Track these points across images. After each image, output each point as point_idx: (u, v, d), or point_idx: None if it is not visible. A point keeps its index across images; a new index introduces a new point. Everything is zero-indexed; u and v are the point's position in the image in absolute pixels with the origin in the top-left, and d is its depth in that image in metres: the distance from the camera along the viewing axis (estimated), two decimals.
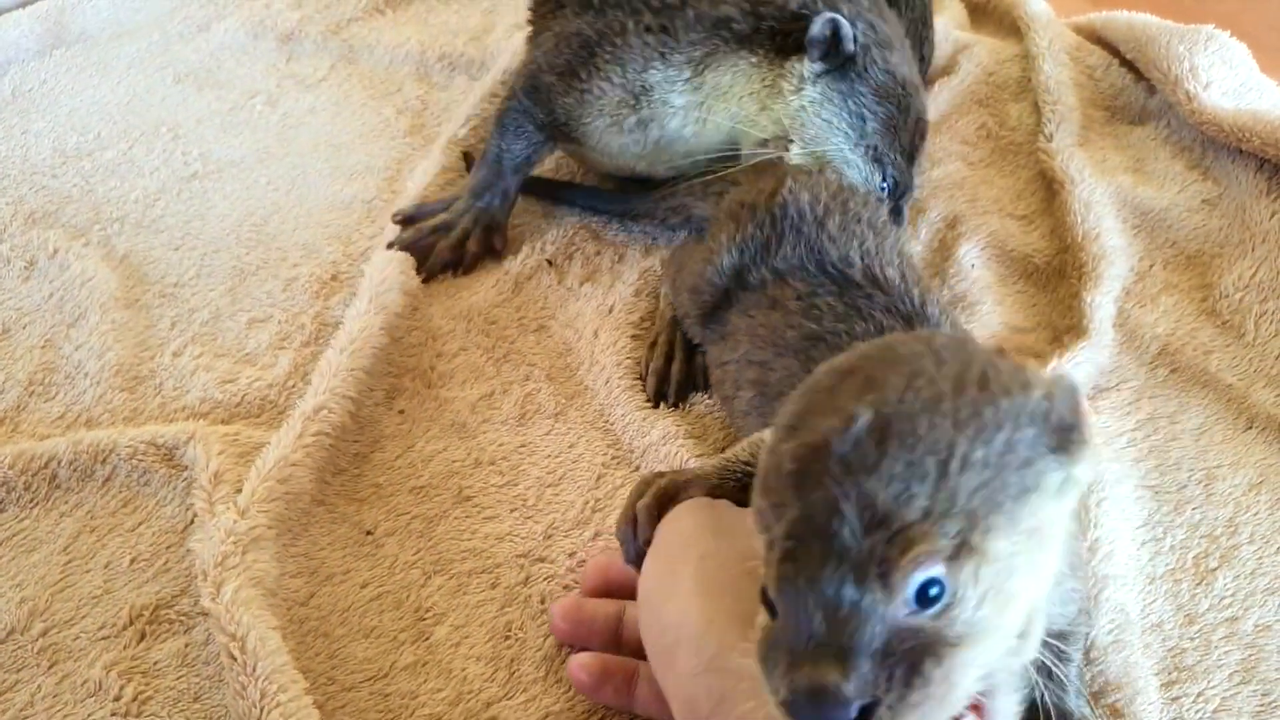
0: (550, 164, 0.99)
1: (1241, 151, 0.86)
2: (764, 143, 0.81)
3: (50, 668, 0.61)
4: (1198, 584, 0.63)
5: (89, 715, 0.59)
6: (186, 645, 0.62)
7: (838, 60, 0.77)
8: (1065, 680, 0.54)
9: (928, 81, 1.04)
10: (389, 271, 0.84)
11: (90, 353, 0.83)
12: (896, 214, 0.81)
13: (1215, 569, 0.63)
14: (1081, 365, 0.75)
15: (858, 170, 0.80)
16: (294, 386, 0.79)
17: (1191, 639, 0.60)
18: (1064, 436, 0.38)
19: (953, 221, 0.90)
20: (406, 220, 0.92)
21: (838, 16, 0.76)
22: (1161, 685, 0.58)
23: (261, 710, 0.54)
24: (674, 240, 0.89)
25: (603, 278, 0.88)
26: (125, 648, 0.62)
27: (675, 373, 0.77)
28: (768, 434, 0.41)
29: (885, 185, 0.80)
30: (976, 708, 0.39)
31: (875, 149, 0.79)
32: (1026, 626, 0.38)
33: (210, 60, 1.20)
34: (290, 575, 0.65)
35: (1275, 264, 0.80)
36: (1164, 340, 0.78)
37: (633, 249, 0.91)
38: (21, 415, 0.79)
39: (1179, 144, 0.94)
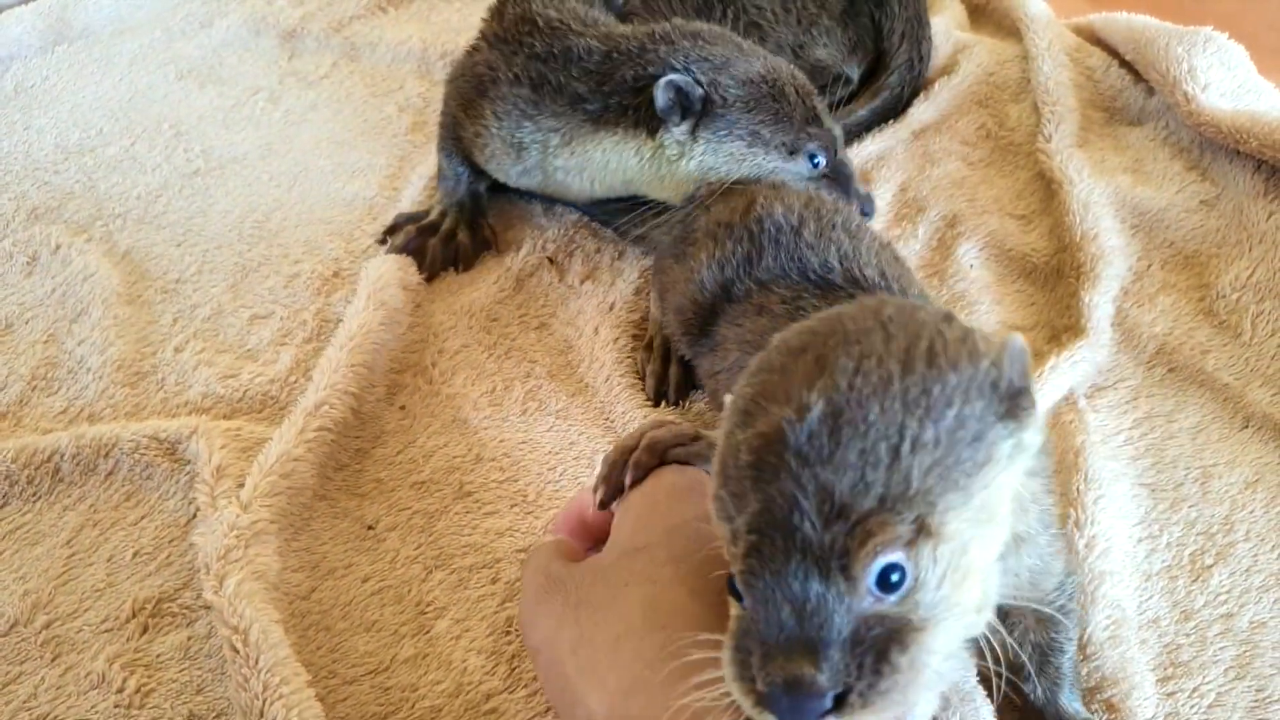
0: None
1: (1239, 153, 0.87)
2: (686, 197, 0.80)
3: (53, 660, 0.62)
4: (1194, 581, 0.63)
5: (92, 707, 0.59)
6: (189, 638, 0.62)
7: (698, 109, 0.77)
8: (1060, 673, 0.54)
9: (927, 82, 1.04)
10: (386, 269, 0.85)
11: (93, 348, 0.83)
12: (846, 179, 0.80)
13: (1211, 566, 0.64)
14: (1079, 364, 0.75)
15: (787, 173, 0.79)
16: (295, 382, 0.79)
17: (1187, 635, 0.61)
18: (1013, 403, 0.38)
19: (952, 220, 0.91)
20: (390, 230, 0.93)
21: (671, 78, 0.75)
22: (1157, 680, 0.58)
23: (264, 702, 0.55)
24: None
25: (603, 275, 0.89)
26: (128, 640, 0.62)
27: (674, 375, 0.77)
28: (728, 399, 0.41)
29: (818, 161, 0.79)
30: None
31: (785, 145, 0.78)
32: (983, 599, 0.39)
33: (212, 57, 1.20)
34: (292, 569, 0.65)
35: (1272, 264, 0.80)
36: (1161, 339, 0.78)
37: (633, 247, 0.91)
38: (24, 410, 0.79)
39: (1177, 145, 0.94)
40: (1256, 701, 0.57)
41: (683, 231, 0.77)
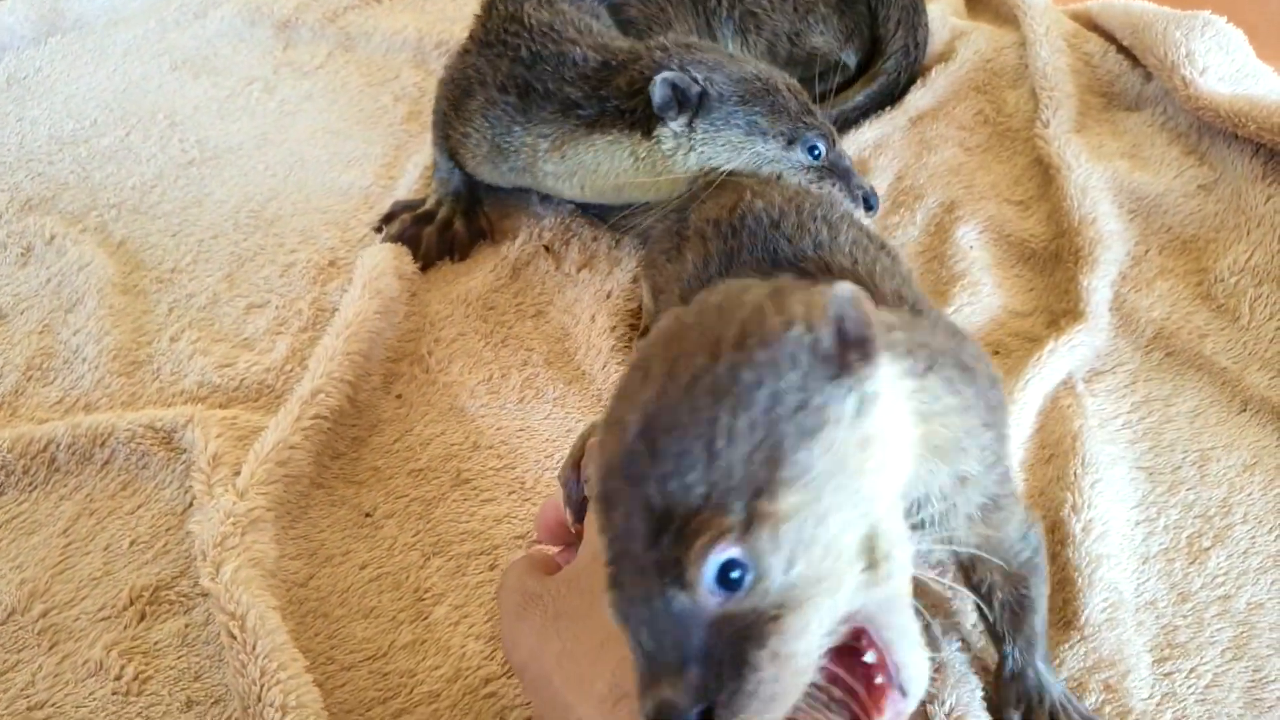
0: None
1: (1237, 137, 0.86)
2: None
3: (51, 648, 0.62)
4: (1191, 563, 0.63)
5: (90, 695, 0.59)
6: (186, 625, 0.62)
7: (695, 103, 0.77)
8: (1034, 634, 0.54)
9: (924, 69, 1.04)
10: (382, 258, 0.85)
11: (88, 338, 0.83)
12: (845, 171, 0.79)
13: (1209, 548, 0.64)
14: (1077, 348, 0.75)
15: (787, 162, 0.78)
16: (291, 371, 0.79)
17: (1184, 617, 0.61)
18: (843, 359, 0.36)
19: (950, 207, 0.91)
20: (386, 219, 0.93)
21: (667, 74, 0.75)
22: (1154, 661, 0.58)
23: (261, 687, 0.55)
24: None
25: (600, 264, 0.88)
26: (125, 628, 0.62)
27: None
28: None
29: (818, 151, 0.78)
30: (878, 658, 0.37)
31: (784, 133, 0.78)
32: (872, 555, 0.36)
33: (207, 47, 1.20)
34: (289, 557, 0.65)
35: (1270, 248, 0.80)
36: (1159, 324, 0.78)
37: (630, 235, 0.91)
38: (20, 400, 0.79)
39: (1175, 130, 0.94)
40: (1253, 682, 0.57)
41: (676, 226, 0.76)
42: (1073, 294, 0.80)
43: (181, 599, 0.64)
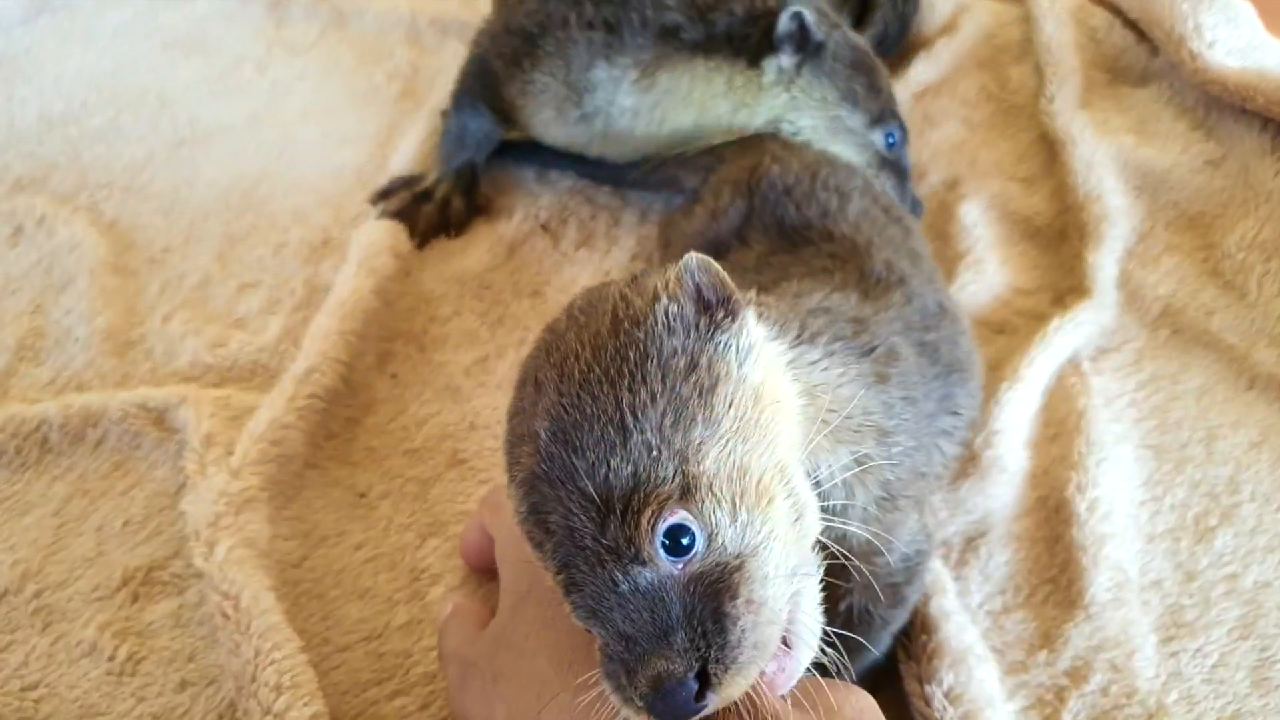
0: None
1: (1245, 111, 0.85)
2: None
3: (44, 629, 0.61)
4: (1197, 542, 0.62)
5: (83, 675, 0.59)
6: (180, 606, 0.62)
7: (809, 50, 0.78)
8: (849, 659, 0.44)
9: (927, 41, 1.02)
10: (378, 235, 0.83)
11: (79, 318, 0.81)
12: (904, 173, 0.81)
13: (1215, 527, 0.63)
14: (1083, 326, 0.74)
15: (863, 141, 0.80)
16: (285, 350, 0.78)
17: (1191, 596, 0.60)
18: (711, 317, 0.39)
19: (953, 184, 0.89)
20: (384, 194, 0.91)
21: (801, 10, 0.76)
22: (1160, 641, 0.58)
23: (255, 667, 0.54)
24: (669, 206, 0.88)
25: (598, 243, 0.87)
26: (119, 609, 0.62)
27: None
28: None
29: (893, 140, 0.81)
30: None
31: (872, 112, 0.80)
32: (795, 505, 0.39)
33: (198, 26, 1.18)
34: (283, 538, 0.64)
35: (1278, 224, 0.79)
36: (1166, 301, 0.77)
37: (628, 213, 0.90)
38: (11, 380, 0.78)
39: (1182, 105, 0.92)
40: (1260, 661, 0.57)
41: (700, 182, 0.77)
42: (1078, 271, 0.79)
43: (175, 580, 0.63)
